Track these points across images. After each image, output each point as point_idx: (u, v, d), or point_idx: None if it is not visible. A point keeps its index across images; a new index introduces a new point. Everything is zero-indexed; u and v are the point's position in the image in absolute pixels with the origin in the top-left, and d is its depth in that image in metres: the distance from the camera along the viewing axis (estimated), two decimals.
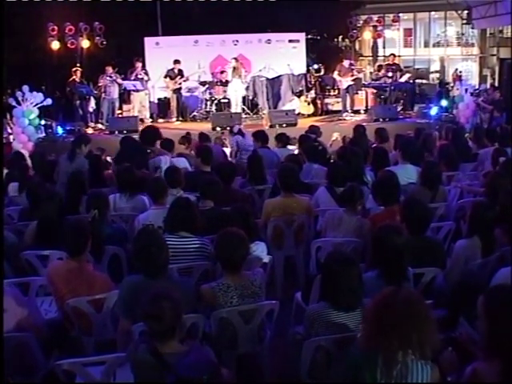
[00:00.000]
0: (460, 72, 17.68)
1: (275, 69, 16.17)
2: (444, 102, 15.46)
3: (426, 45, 26.07)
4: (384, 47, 20.48)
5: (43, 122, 13.33)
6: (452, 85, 17.15)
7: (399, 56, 20.98)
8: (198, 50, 16.90)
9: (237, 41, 17.31)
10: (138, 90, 14.57)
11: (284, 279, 5.72)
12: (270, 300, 3.94)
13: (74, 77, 14.39)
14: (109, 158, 9.12)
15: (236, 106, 15.04)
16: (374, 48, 19.21)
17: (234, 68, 15.00)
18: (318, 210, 5.87)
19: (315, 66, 16.88)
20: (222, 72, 15.85)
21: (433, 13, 24.87)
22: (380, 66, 16.01)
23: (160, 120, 15.44)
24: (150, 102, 15.50)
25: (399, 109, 15.07)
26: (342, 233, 5.04)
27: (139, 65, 14.69)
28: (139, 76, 14.57)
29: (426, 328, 2.55)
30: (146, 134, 8.26)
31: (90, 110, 14.83)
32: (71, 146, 7.93)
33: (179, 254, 4.40)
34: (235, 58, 15.27)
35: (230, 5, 16.28)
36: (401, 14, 19.31)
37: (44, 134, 13.24)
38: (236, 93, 15.05)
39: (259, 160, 6.91)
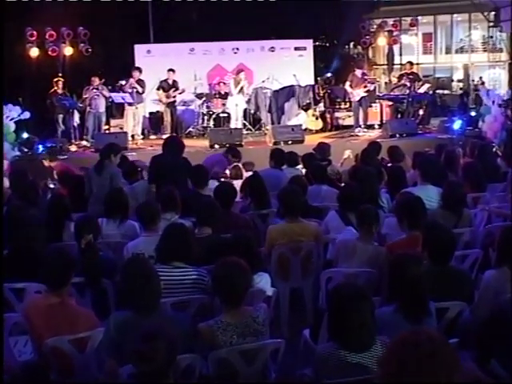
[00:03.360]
0: (483, 80, 17.75)
1: (279, 79, 16.27)
2: (472, 113, 15.43)
3: (448, 51, 26.22)
4: (400, 54, 20.57)
5: (25, 136, 13.34)
6: (476, 94, 17.22)
7: (418, 64, 21.13)
8: (194, 58, 17.03)
9: (237, 49, 17.45)
10: (130, 104, 14.50)
11: (290, 315, 5.69)
12: (274, 338, 3.91)
13: (56, 88, 14.48)
14: None
15: (236, 122, 15.10)
16: (390, 55, 19.33)
17: (238, 80, 14.98)
18: (327, 236, 5.86)
19: (328, 75, 16.95)
20: (220, 83, 15.95)
21: (455, 15, 25.02)
22: (401, 76, 16.04)
23: (152, 136, 15.51)
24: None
25: (418, 123, 15.12)
26: (356, 263, 5.02)
27: (137, 74, 14.59)
28: (133, 86, 14.51)
29: (452, 372, 2.52)
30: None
31: (74, 124, 14.83)
32: (99, 157, 8.00)
33: (173, 287, 4.39)
34: (242, 70, 15.31)
35: (230, 9, 16.44)
36: (419, 18, 19.50)
37: (19, 153, 13.25)
38: (237, 107, 15.12)
39: (261, 182, 6.94)
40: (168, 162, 7.55)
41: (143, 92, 14.83)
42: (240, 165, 9.62)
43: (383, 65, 22.08)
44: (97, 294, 4.77)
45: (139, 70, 14.80)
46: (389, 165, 8.26)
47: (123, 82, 15.15)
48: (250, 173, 8.96)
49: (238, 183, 8.25)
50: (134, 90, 14.55)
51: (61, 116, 14.55)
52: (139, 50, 17.06)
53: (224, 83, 16.05)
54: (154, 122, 16.15)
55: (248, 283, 3.90)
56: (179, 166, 7.49)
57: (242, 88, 14.91)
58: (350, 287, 3.59)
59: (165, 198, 6.01)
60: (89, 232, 5.04)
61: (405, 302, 3.70)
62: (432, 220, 5.37)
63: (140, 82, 14.61)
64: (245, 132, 14.84)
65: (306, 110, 16.00)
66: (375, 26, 17.84)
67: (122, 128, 14.79)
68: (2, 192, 6.98)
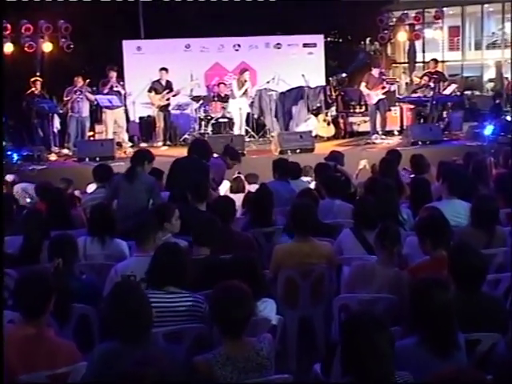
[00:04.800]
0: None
1: (286, 80, 16.33)
2: (508, 118, 15.43)
3: (478, 47, 26.30)
4: (423, 51, 20.75)
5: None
6: (510, 95, 17.22)
7: (443, 62, 21.24)
8: (190, 56, 17.13)
9: (238, 45, 17.53)
10: (114, 107, 14.60)
11: (299, 347, 5.67)
12: (280, 374, 3.89)
13: (33, 89, 14.50)
14: (77, 192, 9.14)
15: (240, 128, 15.12)
16: (411, 52, 19.36)
17: (242, 81, 14.99)
18: (341, 257, 5.85)
19: (343, 75, 16.99)
20: (220, 84, 15.99)
21: (486, 5, 25.08)
22: (424, 76, 16.06)
23: (142, 144, 15.52)
24: (128, 121, 15.60)
25: (443, 129, 15.13)
26: (374, 288, 5.01)
27: (113, 74, 14.70)
28: (114, 88, 14.60)
29: None
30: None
31: (54, 130, 14.89)
32: (131, 164, 8.06)
33: (166, 315, 4.38)
34: (246, 69, 15.31)
35: (231, 0, 16.47)
36: (445, 9, 19.50)
37: None
38: (241, 111, 15.14)
39: (270, 196, 6.96)
40: (189, 166, 7.90)
41: (125, 93, 14.90)
42: (242, 176, 9.64)
43: (404, 63, 22.18)
44: (79, 324, 4.76)
45: (116, 69, 14.89)
46: (412, 176, 8.26)
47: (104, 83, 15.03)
48: (254, 186, 9.00)
49: (239, 197, 8.29)
50: (121, 92, 14.62)
51: (39, 121, 14.56)
52: (128, 46, 17.15)
53: (224, 84, 16.10)
54: (144, 128, 16.20)
55: (250, 311, 3.88)
56: (197, 170, 7.83)
57: (246, 90, 14.94)
58: (366, 316, 3.57)
59: (162, 214, 6.07)
60: (59, 255, 5.03)
61: (429, 333, 3.68)
62: (460, 240, 5.36)
63: (121, 83, 14.73)
64: (247, 139, 14.88)
65: (316, 115, 16.03)
66: (394, 20, 17.89)
67: (107, 134, 14.82)
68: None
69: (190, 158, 8.68)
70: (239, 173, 9.79)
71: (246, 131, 15.42)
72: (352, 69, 18.89)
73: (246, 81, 14.93)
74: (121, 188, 7.79)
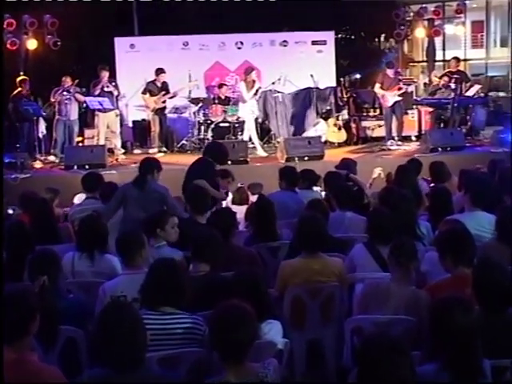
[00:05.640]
0: None
1: (293, 81, 16.33)
2: None
3: (504, 43, 26.22)
4: (444, 49, 20.74)
5: None
6: None
7: (465, 60, 21.22)
8: (188, 55, 17.18)
9: (241, 43, 17.58)
10: (105, 110, 14.60)
11: (307, 372, 5.67)
12: None
13: (21, 89, 14.49)
14: (59, 210, 9.12)
15: (252, 134, 15.08)
16: (430, 50, 19.40)
17: (250, 82, 14.90)
18: (353, 275, 5.85)
19: (357, 76, 16.97)
20: (221, 85, 16.01)
21: None
22: (444, 76, 16.04)
23: (136, 151, 15.56)
24: (121, 125, 15.61)
25: (466, 133, 15.12)
26: (391, 310, 5.00)
27: (105, 74, 14.73)
28: (106, 89, 14.62)
29: None
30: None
31: (39, 135, 14.84)
32: (140, 172, 8.15)
33: (161, 338, 4.38)
34: (251, 68, 15.21)
35: None
36: (467, 2, 19.44)
37: None
38: (253, 115, 15.09)
39: (269, 207, 6.97)
40: (197, 170, 8.32)
41: (119, 95, 14.91)
42: (245, 187, 9.65)
43: (422, 62, 22.21)
44: (65, 348, 4.75)
45: (107, 69, 14.87)
46: (431, 186, 8.26)
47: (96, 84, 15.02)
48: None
49: (242, 209, 8.30)
50: (114, 94, 14.62)
51: (22, 125, 14.52)
52: (120, 43, 17.20)
53: (225, 85, 16.14)
54: (138, 133, 16.24)
55: (254, 333, 3.87)
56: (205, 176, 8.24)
57: (257, 91, 14.84)
58: (382, 339, 3.55)
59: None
60: (43, 272, 5.02)
61: (451, 358, 3.66)
62: (484, 255, 5.34)
63: (113, 83, 14.71)
64: (251, 146, 14.87)
65: (326, 119, 16.05)
66: (412, 14, 17.94)
67: (98, 140, 14.83)
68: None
69: (201, 161, 8.92)
70: (242, 184, 9.80)
71: (249, 137, 15.39)
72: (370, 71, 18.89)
73: (254, 81, 14.85)
74: (129, 197, 7.86)
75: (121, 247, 5.63)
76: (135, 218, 7.45)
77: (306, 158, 13.40)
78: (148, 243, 5.77)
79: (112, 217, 7.66)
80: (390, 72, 14.94)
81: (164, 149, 15.33)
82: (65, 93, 14.62)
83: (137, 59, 16.79)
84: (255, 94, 14.87)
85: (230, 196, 9.45)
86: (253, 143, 15.24)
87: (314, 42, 17.80)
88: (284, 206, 7.77)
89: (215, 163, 8.88)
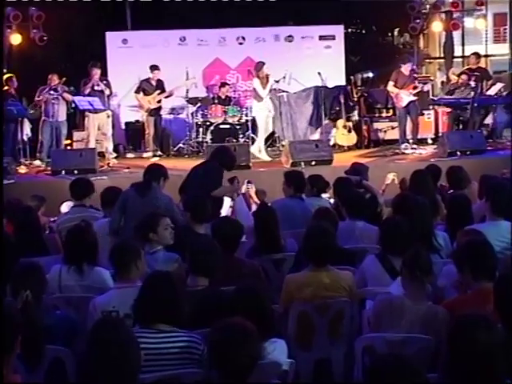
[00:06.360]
0: None
1: (299, 79, 16.39)
2: None
3: None
4: (463, 44, 20.67)
5: None
6: None
7: (486, 56, 21.18)
8: (185, 51, 17.22)
9: (243, 38, 17.61)
10: (96, 110, 14.58)
11: None
12: None
13: (8, 88, 14.44)
14: (45, 219, 9.12)
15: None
16: (448, 45, 19.40)
17: (263, 78, 14.90)
18: (365, 289, 5.85)
19: (370, 74, 16.95)
20: (222, 84, 16.01)
21: None
22: (463, 73, 16.03)
23: (129, 155, 15.58)
24: (113, 127, 15.59)
25: (487, 136, 15.11)
26: (405, 327, 4.99)
27: (97, 72, 14.70)
28: (96, 88, 14.60)
29: None
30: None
31: (24, 138, 14.84)
32: (145, 178, 8.20)
33: (156, 358, 4.37)
34: (262, 62, 15.13)
35: None
36: None
37: None
38: (270, 113, 15.05)
39: (272, 215, 6.98)
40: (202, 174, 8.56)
41: (111, 94, 14.89)
42: (248, 194, 9.66)
43: (439, 58, 22.16)
44: (52, 369, 4.74)
45: (99, 66, 14.87)
46: (449, 192, 8.25)
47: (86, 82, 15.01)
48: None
49: None
50: (105, 93, 14.61)
51: (5, 127, 14.44)
52: (112, 38, 17.25)
53: (227, 84, 16.13)
54: (131, 136, 16.28)
55: (256, 353, 3.87)
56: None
57: (263, 79, 14.84)
58: (395, 360, 3.55)
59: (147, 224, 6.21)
60: (27, 286, 5.01)
61: (472, 381, 3.65)
62: (506, 269, 5.34)
63: (104, 82, 14.71)
64: (253, 149, 14.86)
65: (334, 120, 16.06)
66: (428, 6, 17.90)
67: (87, 143, 14.82)
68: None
69: (209, 166, 9.16)
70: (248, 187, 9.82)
71: (252, 139, 15.40)
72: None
73: (267, 75, 14.84)
74: (129, 204, 7.90)
75: (115, 258, 5.61)
76: (132, 224, 7.48)
77: (312, 163, 13.41)
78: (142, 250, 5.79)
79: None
80: (405, 68, 14.92)
81: (159, 153, 15.36)
82: (51, 92, 14.62)
83: (130, 55, 16.83)
84: (270, 90, 14.91)
85: (231, 203, 9.47)
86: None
87: (322, 37, 17.83)
88: (289, 215, 7.77)
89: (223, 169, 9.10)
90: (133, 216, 7.61)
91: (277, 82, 15.95)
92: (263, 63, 15.07)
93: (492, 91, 15.69)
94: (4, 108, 14.28)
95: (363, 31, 22.55)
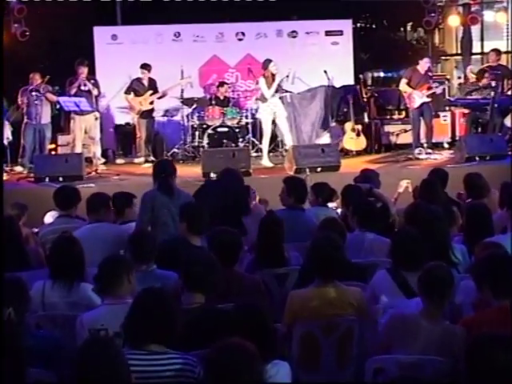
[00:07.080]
0: None
1: (304, 78, 16.43)
2: None
3: None
4: (482, 39, 20.69)
5: None
6: None
7: (508, 53, 21.17)
8: (180, 48, 17.23)
9: (242, 33, 17.64)
10: (83, 112, 14.60)
11: None
12: None
13: None
14: (27, 230, 9.13)
15: (277, 139, 15.20)
16: (466, 41, 19.41)
17: (270, 76, 14.81)
18: (375, 307, 5.84)
19: (381, 74, 16.94)
20: (221, 84, 16.02)
21: None
22: (482, 71, 16.00)
23: (119, 160, 15.57)
24: (102, 130, 15.59)
25: (508, 140, 15.11)
26: (419, 348, 4.99)
27: (84, 70, 14.69)
28: (83, 88, 14.60)
29: None
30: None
31: (4, 142, 14.82)
32: (161, 176, 8.39)
33: (148, 382, 4.36)
34: (269, 60, 15.01)
35: None
36: None
37: None
38: (277, 115, 14.96)
39: (274, 226, 6.99)
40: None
41: (99, 94, 14.88)
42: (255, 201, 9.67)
43: (456, 55, 22.18)
44: None
45: (86, 64, 14.86)
46: (467, 201, 8.26)
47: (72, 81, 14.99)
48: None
49: None
50: (93, 93, 14.61)
51: None
52: (101, 34, 17.27)
53: (226, 83, 16.14)
54: (121, 140, 16.30)
55: (257, 376, 3.87)
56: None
57: (279, 85, 14.81)
58: (410, 382, 3.56)
59: (138, 245, 6.22)
60: (8, 303, 5.01)
61: None
62: None
63: (92, 81, 14.70)
64: (254, 154, 14.91)
65: (342, 123, 16.06)
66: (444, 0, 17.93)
67: (73, 147, 14.83)
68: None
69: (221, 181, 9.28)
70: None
71: (253, 144, 15.40)
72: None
73: (274, 74, 14.72)
74: (159, 203, 8.15)
75: (102, 271, 5.61)
76: (164, 222, 7.99)
77: (318, 169, 13.42)
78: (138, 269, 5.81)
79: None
80: (422, 66, 14.92)
81: (151, 158, 15.31)
82: (33, 92, 14.58)
83: (120, 52, 16.85)
84: (276, 90, 14.83)
85: None
86: (256, 151, 15.25)
87: (329, 33, 17.85)
88: (289, 228, 7.74)
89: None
90: (162, 214, 8.04)
91: (280, 81, 15.98)
92: (270, 60, 14.93)
93: None
94: None
95: (373, 26, 22.56)
